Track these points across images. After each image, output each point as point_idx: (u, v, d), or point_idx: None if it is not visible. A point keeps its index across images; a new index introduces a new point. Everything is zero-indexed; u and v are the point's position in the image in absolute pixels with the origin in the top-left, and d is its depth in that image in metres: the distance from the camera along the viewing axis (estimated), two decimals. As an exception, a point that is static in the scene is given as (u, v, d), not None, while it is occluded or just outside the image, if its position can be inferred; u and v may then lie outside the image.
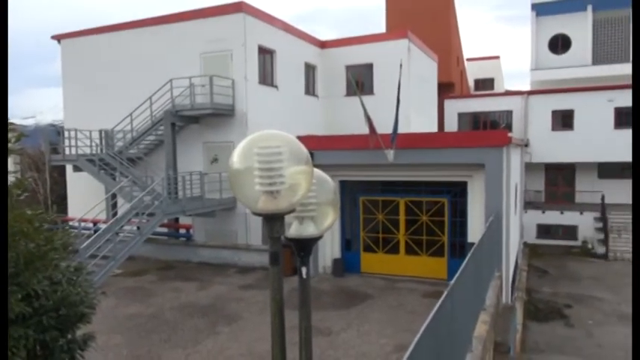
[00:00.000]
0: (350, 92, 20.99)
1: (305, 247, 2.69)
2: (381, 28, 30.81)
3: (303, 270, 2.69)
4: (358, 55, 21.63)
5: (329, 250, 15.11)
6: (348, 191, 15.22)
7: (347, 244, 15.41)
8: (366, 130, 13.33)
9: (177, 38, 17.85)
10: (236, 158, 2.30)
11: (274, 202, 2.30)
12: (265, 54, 18.17)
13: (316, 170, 2.62)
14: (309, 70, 21.29)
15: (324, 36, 25.45)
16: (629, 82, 26.06)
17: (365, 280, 14.17)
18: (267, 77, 18.36)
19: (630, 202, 25.10)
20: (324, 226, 2.72)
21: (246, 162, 2.28)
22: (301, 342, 2.75)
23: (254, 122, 16.79)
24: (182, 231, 17.50)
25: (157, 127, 16.81)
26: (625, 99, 25.03)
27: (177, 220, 17.16)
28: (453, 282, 5.84)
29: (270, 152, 2.26)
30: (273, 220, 2.36)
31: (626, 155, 25.03)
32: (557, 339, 13.26)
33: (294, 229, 2.67)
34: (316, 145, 14.21)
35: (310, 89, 21.42)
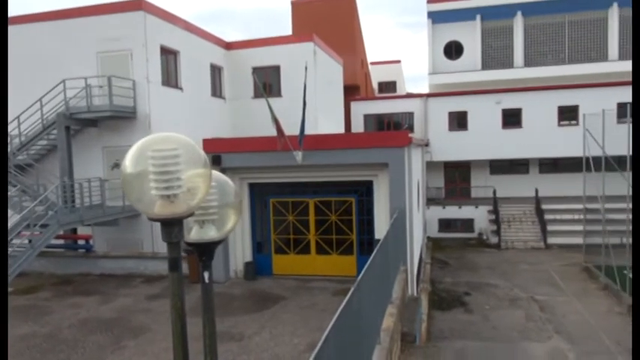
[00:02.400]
0: (258, 94, 20.90)
1: (207, 251, 2.64)
2: (289, 31, 31.09)
3: (206, 274, 2.64)
4: (265, 57, 21.61)
5: (240, 253, 14.94)
6: (258, 193, 15.16)
7: (258, 246, 15.34)
8: (274, 132, 13.37)
9: (71, 35, 16.65)
10: (129, 162, 2.20)
11: (171, 207, 2.23)
12: (168, 54, 17.55)
13: (216, 173, 2.59)
14: (215, 71, 20.90)
15: (230, 37, 25.08)
16: (514, 86, 28.70)
17: (277, 282, 14.20)
18: (170, 78, 17.73)
19: (518, 195, 27.64)
20: (225, 229, 2.68)
21: (139, 166, 2.19)
22: (206, 349, 2.69)
23: (158, 125, 16.14)
24: (81, 242, 16.37)
25: (48, 130, 15.56)
26: (510, 101, 27.46)
27: (74, 230, 16.03)
28: (359, 278, 6.04)
29: (166, 155, 2.18)
30: (170, 225, 2.29)
31: (512, 153, 27.53)
32: (458, 325, 14.18)
33: (194, 234, 2.61)
34: (224, 148, 14.02)
35: (217, 91, 21.03)
